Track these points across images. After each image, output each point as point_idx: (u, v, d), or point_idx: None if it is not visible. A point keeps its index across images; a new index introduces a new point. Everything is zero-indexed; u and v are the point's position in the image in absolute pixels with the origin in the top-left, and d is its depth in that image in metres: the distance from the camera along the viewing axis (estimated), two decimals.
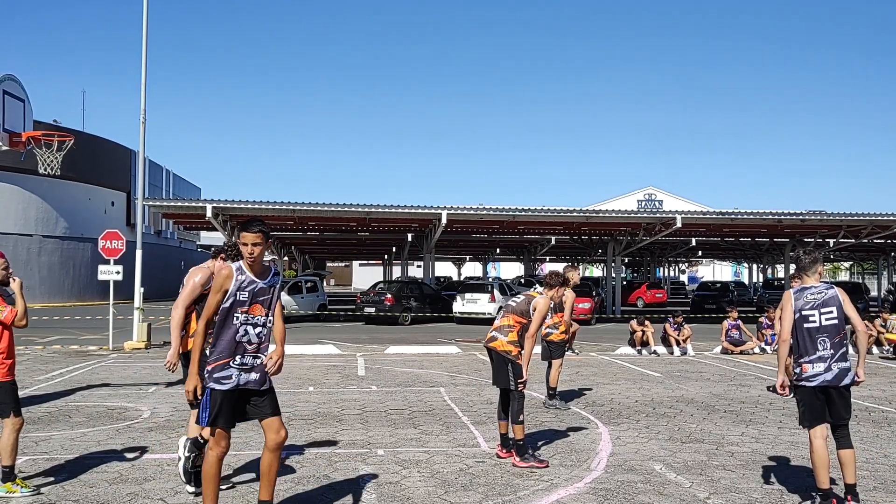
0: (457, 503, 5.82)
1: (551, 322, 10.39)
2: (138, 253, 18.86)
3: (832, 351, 5.58)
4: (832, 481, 5.71)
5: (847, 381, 5.61)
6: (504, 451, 7.27)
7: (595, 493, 6.12)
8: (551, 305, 8.42)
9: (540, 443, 7.96)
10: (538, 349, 9.66)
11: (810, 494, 5.76)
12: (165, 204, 31.58)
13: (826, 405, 5.65)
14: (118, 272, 18.03)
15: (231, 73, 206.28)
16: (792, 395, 5.88)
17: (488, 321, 27.32)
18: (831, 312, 5.63)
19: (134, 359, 15.71)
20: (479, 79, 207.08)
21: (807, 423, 5.69)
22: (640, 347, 17.89)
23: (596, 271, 70.94)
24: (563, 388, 11.81)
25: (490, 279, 43.98)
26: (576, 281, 10.42)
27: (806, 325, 5.65)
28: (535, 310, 7.26)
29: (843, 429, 5.69)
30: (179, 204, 30.52)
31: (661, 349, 17.91)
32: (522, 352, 7.21)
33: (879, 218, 28.33)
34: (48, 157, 18.12)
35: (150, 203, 28.84)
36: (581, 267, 67.96)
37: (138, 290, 18.71)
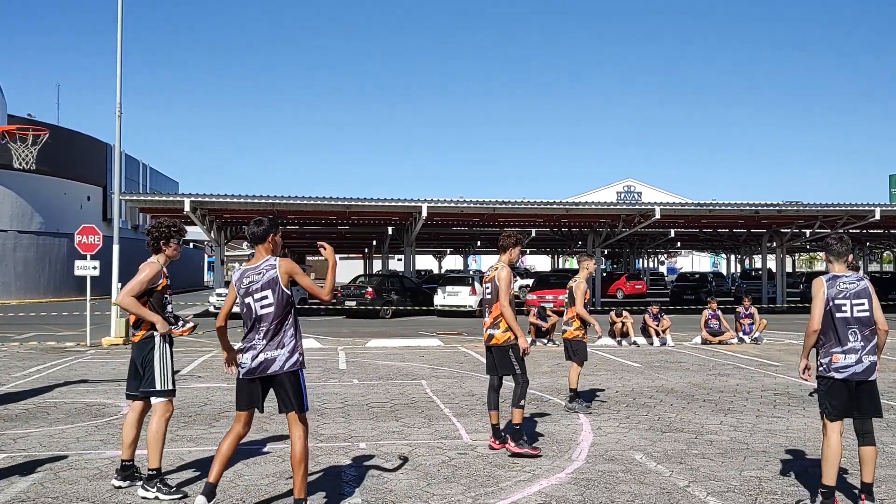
0: (439, 495, 5.83)
1: (567, 317, 9.63)
2: (115, 248, 18.68)
3: (863, 343, 5.35)
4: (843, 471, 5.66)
5: (874, 375, 5.38)
6: (497, 442, 7.25)
7: (576, 483, 6.15)
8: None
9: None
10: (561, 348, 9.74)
11: (816, 490, 5.54)
12: (142, 198, 31.33)
13: (852, 400, 5.40)
14: (95, 267, 17.85)
15: (209, 68, 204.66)
16: (815, 386, 5.61)
17: (469, 314, 27.41)
18: (863, 304, 5.39)
19: (112, 354, 15.56)
20: (459, 74, 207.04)
21: (831, 416, 5.40)
22: (619, 338, 18.00)
23: (576, 264, 71.22)
24: (545, 379, 11.88)
25: (471, 272, 44.02)
26: (591, 271, 9.68)
27: (838, 315, 5.38)
28: (498, 281, 7.22)
29: (867, 423, 5.45)
30: (156, 198, 30.28)
31: (641, 340, 18.04)
32: (513, 329, 7.17)
33: (855, 208, 28.69)
34: (23, 151, 17.89)
35: (127, 198, 28.56)
36: (561, 259, 68.23)
37: (115, 286, 18.52)
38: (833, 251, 5.59)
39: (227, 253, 39.64)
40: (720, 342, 18.02)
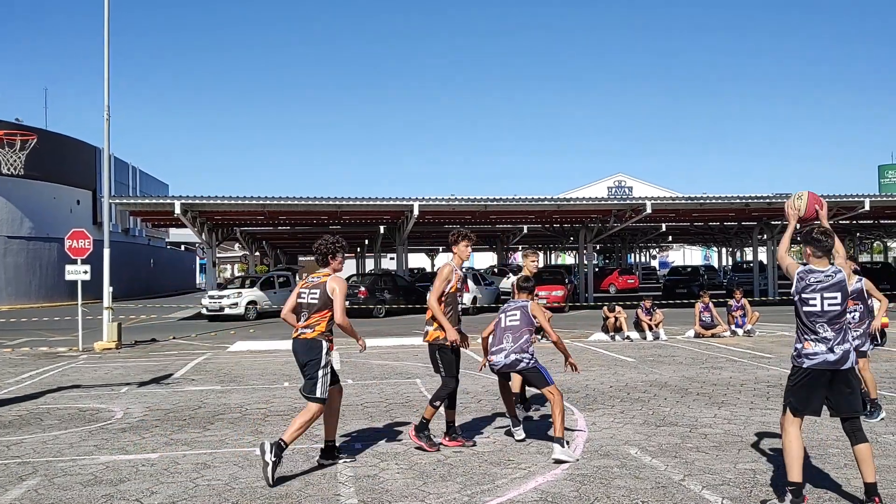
0: (435, 493, 5.83)
1: None
2: (106, 252, 18.59)
3: (834, 334, 5.21)
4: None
5: (849, 363, 5.19)
6: (448, 438, 7.38)
7: (572, 479, 6.16)
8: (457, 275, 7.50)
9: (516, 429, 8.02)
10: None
11: (783, 490, 5.45)
12: (133, 201, 31.26)
13: (828, 395, 5.24)
14: (86, 272, 17.74)
15: (197, 70, 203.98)
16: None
17: (462, 311, 27.37)
18: (835, 298, 5.24)
19: (105, 359, 15.51)
20: (447, 73, 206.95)
21: (795, 411, 5.27)
22: (613, 333, 18.04)
23: (568, 259, 71.34)
24: None
25: (463, 269, 44.01)
26: (530, 269, 9.00)
27: (805, 309, 5.28)
28: (436, 277, 7.37)
29: (855, 421, 5.25)
30: (147, 201, 30.22)
31: (634, 334, 18.08)
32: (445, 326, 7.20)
33: (844, 199, 28.81)
34: (11, 156, 17.76)
35: (117, 201, 28.43)
36: (553, 255, 68.30)
37: (107, 290, 18.45)
38: (822, 246, 5.34)
39: (218, 255, 39.48)
40: (713, 335, 18.09)
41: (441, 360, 7.25)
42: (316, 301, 6.45)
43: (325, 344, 6.44)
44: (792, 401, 5.31)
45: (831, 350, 5.19)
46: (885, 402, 9.28)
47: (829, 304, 5.24)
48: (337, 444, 6.93)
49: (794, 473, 5.18)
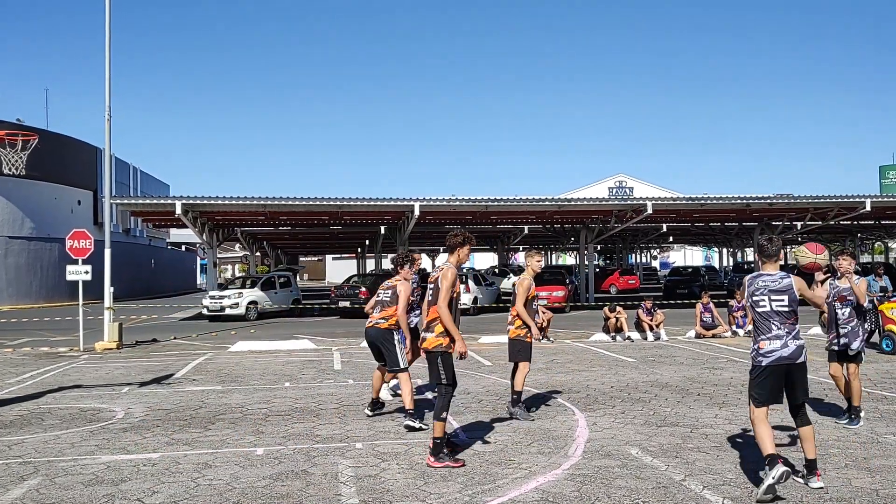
0: (436, 493, 5.83)
1: (511, 316, 9.11)
2: (107, 252, 18.59)
3: (787, 330, 5.82)
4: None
5: (803, 357, 5.83)
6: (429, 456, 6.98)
7: (573, 479, 6.17)
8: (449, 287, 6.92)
9: (516, 430, 8.02)
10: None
11: (762, 468, 5.70)
12: (133, 202, 31.27)
13: (785, 386, 5.86)
14: (87, 272, 17.73)
15: (197, 70, 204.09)
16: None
17: (462, 312, 27.38)
18: (782, 301, 5.84)
19: (106, 359, 15.51)
20: (449, 73, 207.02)
21: (757, 402, 5.82)
22: (614, 333, 18.05)
23: (569, 259, 71.30)
24: (540, 376, 11.88)
25: (464, 269, 44.06)
26: (534, 268, 9.08)
27: (757, 309, 5.91)
28: (442, 281, 6.92)
29: (802, 407, 5.95)
30: (148, 201, 30.23)
31: (635, 335, 18.08)
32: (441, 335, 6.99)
33: (845, 200, 28.80)
34: (12, 156, 17.79)
35: (118, 201, 28.43)
36: (554, 255, 68.26)
37: (108, 290, 18.45)
38: (767, 252, 6.01)
39: (219, 255, 39.48)
40: (713, 336, 18.09)
41: (443, 367, 6.88)
42: (388, 299, 8.50)
43: (394, 332, 8.42)
44: (755, 394, 5.88)
45: (785, 345, 5.79)
46: (885, 403, 9.29)
47: (777, 305, 5.85)
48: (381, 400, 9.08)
49: (768, 447, 5.64)
